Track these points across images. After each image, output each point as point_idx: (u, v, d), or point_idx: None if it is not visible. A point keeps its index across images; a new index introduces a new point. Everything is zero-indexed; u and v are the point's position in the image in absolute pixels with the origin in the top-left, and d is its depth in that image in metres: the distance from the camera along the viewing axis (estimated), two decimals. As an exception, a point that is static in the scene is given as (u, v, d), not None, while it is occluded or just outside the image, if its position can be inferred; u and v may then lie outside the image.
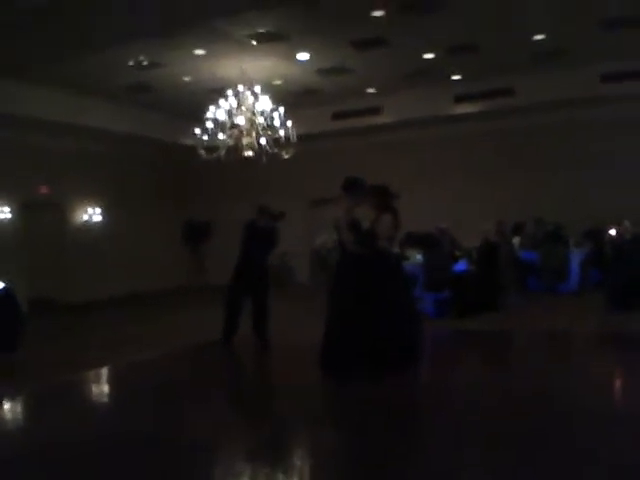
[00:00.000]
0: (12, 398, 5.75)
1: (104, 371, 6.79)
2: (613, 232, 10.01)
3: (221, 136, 10.18)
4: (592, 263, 11.12)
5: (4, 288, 8.28)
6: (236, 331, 7.48)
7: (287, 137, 10.04)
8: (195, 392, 5.60)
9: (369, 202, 5.96)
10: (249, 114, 10.20)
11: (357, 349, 5.54)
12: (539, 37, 10.17)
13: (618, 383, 5.35)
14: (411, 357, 5.74)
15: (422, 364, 5.90)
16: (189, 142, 11.72)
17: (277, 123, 10.07)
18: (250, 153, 10.37)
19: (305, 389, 5.48)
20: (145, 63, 10.52)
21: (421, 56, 10.90)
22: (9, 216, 12.31)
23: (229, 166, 11.44)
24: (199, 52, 10.04)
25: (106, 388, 6.50)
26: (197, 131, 10.09)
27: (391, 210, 5.94)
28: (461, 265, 9.73)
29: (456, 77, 12.45)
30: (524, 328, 8.22)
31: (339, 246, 6.06)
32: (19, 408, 5.71)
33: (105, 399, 6.01)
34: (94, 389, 6.37)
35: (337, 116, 14.09)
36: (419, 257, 9.37)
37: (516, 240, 11.48)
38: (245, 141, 10.29)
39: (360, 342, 5.55)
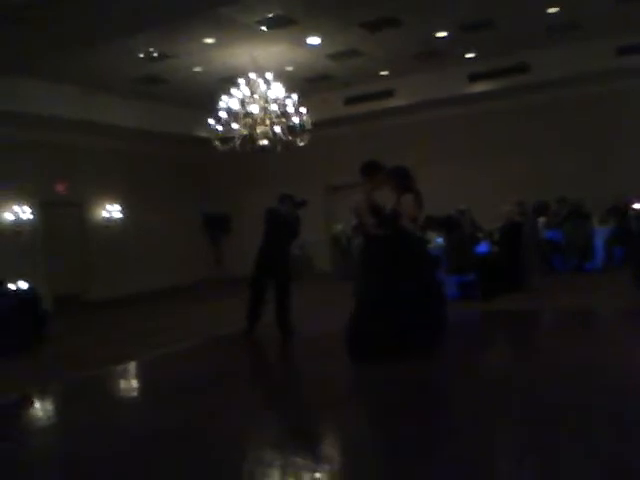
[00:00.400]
0: (41, 393, 5.77)
1: (130, 365, 6.79)
2: (638, 206, 9.80)
3: (235, 126, 10.11)
4: (617, 240, 10.90)
5: (29, 288, 8.37)
6: (259, 319, 7.44)
7: (301, 124, 9.94)
8: (222, 383, 5.57)
9: (389, 184, 5.87)
10: (262, 102, 10.10)
11: (386, 332, 5.45)
12: (553, 10, 9.94)
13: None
14: (437, 338, 5.67)
15: (448, 345, 5.79)
16: (204, 134, 11.67)
17: (291, 110, 9.98)
18: (265, 142, 10.29)
19: (330, 376, 5.43)
20: (155, 54, 10.46)
21: (434, 35, 10.71)
22: (30, 216, 12.37)
23: (245, 156, 11.39)
24: (208, 41, 9.94)
25: (133, 382, 6.51)
26: (211, 122, 10.02)
27: (413, 191, 5.83)
28: (483, 247, 9.58)
29: (470, 55, 12.24)
30: (551, 307, 8.08)
31: (360, 231, 5.98)
32: (48, 404, 5.72)
33: (133, 393, 6.02)
34: (120, 383, 6.37)
35: (350, 100, 13.94)
36: (439, 240, 9.25)
37: (542, 220, 11.27)
38: (259, 130, 10.21)
39: (389, 324, 5.46)
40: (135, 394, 5.95)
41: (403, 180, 5.88)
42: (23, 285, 8.32)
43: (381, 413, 4.37)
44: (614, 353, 5.38)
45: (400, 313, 5.48)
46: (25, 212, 12.29)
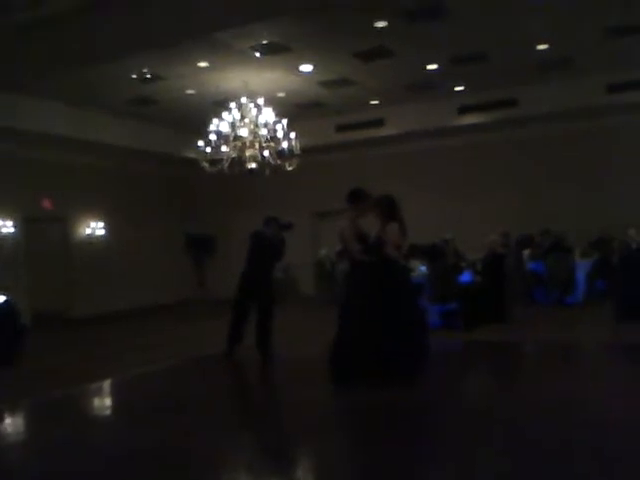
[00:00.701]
0: (12, 411, 5.66)
1: (106, 384, 6.71)
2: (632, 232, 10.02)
3: (224, 148, 10.17)
4: (599, 273, 11.02)
5: (5, 302, 8.26)
6: (240, 341, 7.40)
7: (290, 149, 10.02)
8: (198, 404, 5.51)
9: (375, 212, 5.94)
10: (252, 126, 10.19)
11: (368, 357, 5.49)
12: (543, 47, 10.15)
13: (629, 393, 5.23)
14: (419, 366, 5.69)
15: (431, 373, 5.80)
16: (192, 155, 11.72)
17: (280, 135, 10.06)
18: (253, 165, 10.35)
19: (311, 399, 5.38)
20: (148, 76, 10.53)
21: (425, 67, 10.89)
22: (12, 230, 12.27)
23: (233, 179, 11.43)
24: (202, 64, 10.03)
25: (108, 400, 6.41)
26: (200, 144, 10.07)
27: (397, 219, 5.90)
28: (466, 276, 9.63)
29: (459, 88, 12.44)
30: (532, 339, 8.11)
31: (346, 257, 6.02)
32: (19, 421, 5.61)
33: (107, 411, 5.92)
34: (96, 402, 6.28)
35: (341, 128, 14.09)
36: (423, 268, 9.29)
37: (526, 252, 11.38)
38: (248, 153, 10.27)
39: (371, 350, 5.50)
40: (110, 413, 5.86)
41: (389, 209, 5.94)
42: (1, 298, 8.21)
43: (360, 438, 4.34)
44: (594, 387, 5.41)
45: (383, 339, 5.51)
46: (7, 226, 12.19)
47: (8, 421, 5.47)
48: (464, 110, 13.08)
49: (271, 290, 7.49)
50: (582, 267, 11.03)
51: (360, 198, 6.04)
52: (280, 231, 7.51)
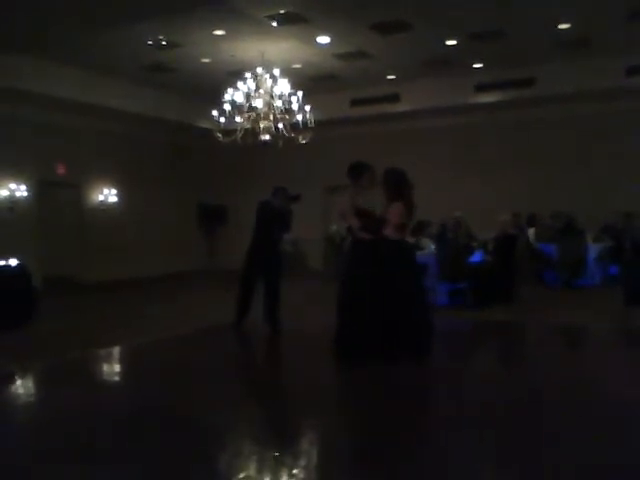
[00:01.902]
0: (23, 373, 5.76)
1: (115, 350, 6.79)
2: None
3: (238, 119, 10.11)
4: (611, 258, 10.95)
5: (17, 265, 8.35)
6: (248, 313, 7.44)
7: (305, 122, 9.95)
8: (206, 373, 5.57)
9: (382, 189, 5.79)
10: (267, 97, 10.11)
11: (368, 336, 5.47)
12: (565, 26, 9.97)
13: (631, 376, 5.24)
14: (422, 346, 5.63)
15: (435, 353, 5.78)
16: (206, 124, 11.67)
17: (295, 107, 9.99)
18: (267, 137, 10.30)
19: (314, 374, 5.44)
20: (164, 42, 10.45)
21: (443, 42, 10.72)
22: (25, 194, 12.33)
23: (246, 150, 11.39)
24: (219, 32, 9.94)
25: (117, 366, 6.50)
26: (214, 113, 10.01)
27: (404, 198, 5.73)
28: (477, 256, 9.61)
29: (477, 65, 12.26)
30: (540, 320, 8.10)
31: (349, 232, 5.95)
32: (30, 384, 5.71)
33: (115, 377, 6.02)
34: (105, 367, 6.37)
35: (356, 102, 13.96)
36: (432, 247, 9.27)
37: (531, 232, 11.32)
38: (262, 125, 10.22)
39: (370, 330, 5.48)
40: (112, 379, 5.95)
41: (395, 186, 5.76)
42: (13, 262, 8.31)
43: (362, 411, 4.39)
44: (597, 371, 5.42)
45: (380, 317, 5.48)
46: (21, 190, 12.25)
47: (19, 382, 5.57)
48: (481, 88, 12.90)
49: (279, 262, 7.47)
50: (593, 250, 10.97)
51: (360, 173, 5.87)
52: (288, 202, 7.40)
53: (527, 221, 11.49)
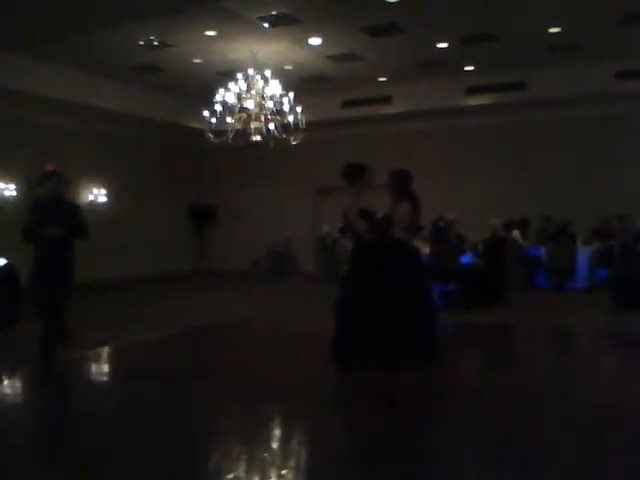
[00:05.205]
0: (11, 373, 5.71)
1: (104, 350, 6.75)
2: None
3: (229, 120, 10.09)
4: (600, 261, 11.01)
5: (5, 264, 8.29)
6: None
7: (296, 123, 9.94)
8: (193, 373, 5.54)
9: (387, 189, 5.76)
10: (258, 98, 10.10)
11: (368, 339, 5.38)
12: (555, 30, 10.02)
13: (620, 380, 5.27)
14: (426, 350, 5.55)
15: (433, 357, 5.69)
16: (197, 125, 11.62)
17: (286, 108, 9.98)
18: (258, 138, 10.28)
19: (311, 377, 5.42)
20: (155, 43, 10.41)
21: (435, 45, 10.75)
22: (14, 193, 12.23)
23: (237, 151, 11.37)
24: (210, 33, 9.91)
25: (105, 367, 6.45)
26: (205, 114, 9.98)
27: (410, 197, 5.69)
28: (467, 258, 9.64)
29: (469, 68, 12.30)
30: (529, 323, 8.13)
31: (350, 235, 5.87)
32: (16, 384, 5.66)
33: (104, 377, 5.97)
34: (93, 368, 6.32)
35: (347, 104, 13.96)
36: (427, 249, 9.27)
37: (515, 233, 11.22)
38: (253, 125, 10.20)
39: (371, 332, 5.39)
40: (101, 379, 5.92)
41: (402, 186, 5.73)
42: (1, 261, 8.24)
43: (360, 412, 4.38)
44: (585, 373, 5.44)
45: (383, 320, 5.39)
46: (9, 189, 12.15)
47: (6, 382, 5.51)
48: (472, 91, 12.95)
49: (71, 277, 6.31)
50: (583, 254, 11.02)
51: (357, 175, 5.79)
52: (64, 192, 5.83)
53: (514, 224, 11.37)
